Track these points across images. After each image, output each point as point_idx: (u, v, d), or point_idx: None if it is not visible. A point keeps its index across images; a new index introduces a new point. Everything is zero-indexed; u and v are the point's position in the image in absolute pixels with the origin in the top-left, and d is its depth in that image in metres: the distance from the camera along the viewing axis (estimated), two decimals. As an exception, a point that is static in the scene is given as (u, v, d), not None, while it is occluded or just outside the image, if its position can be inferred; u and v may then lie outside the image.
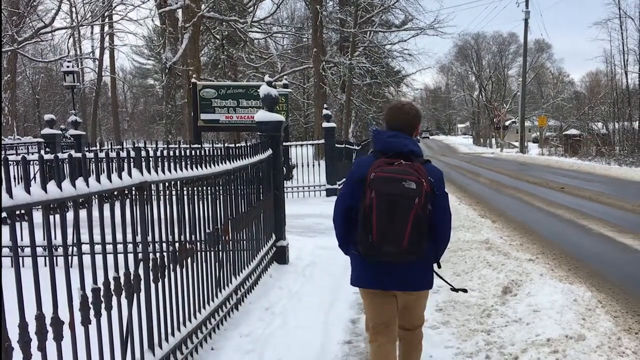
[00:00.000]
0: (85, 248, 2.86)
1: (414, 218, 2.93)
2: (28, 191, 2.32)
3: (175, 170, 3.76)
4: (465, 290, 3.66)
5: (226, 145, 4.98)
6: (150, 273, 3.36)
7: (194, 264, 4.08)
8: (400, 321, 3.35)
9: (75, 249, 2.88)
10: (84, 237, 2.82)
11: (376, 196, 2.96)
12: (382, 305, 3.27)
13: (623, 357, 3.89)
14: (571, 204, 12.47)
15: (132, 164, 3.22)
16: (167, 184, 3.69)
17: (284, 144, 10.01)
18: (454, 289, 3.54)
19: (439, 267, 3.31)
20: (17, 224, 2.31)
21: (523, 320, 4.66)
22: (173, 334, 3.67)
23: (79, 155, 3.02)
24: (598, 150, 33.08)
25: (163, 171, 3.57)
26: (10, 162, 9.41)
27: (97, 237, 2.83)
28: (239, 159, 5.23)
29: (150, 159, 3.42)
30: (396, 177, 2.97)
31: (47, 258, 2.51)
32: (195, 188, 4.16)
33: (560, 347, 4.01)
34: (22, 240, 5.90)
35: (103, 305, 2.82)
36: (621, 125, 32.69)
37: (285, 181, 7.98)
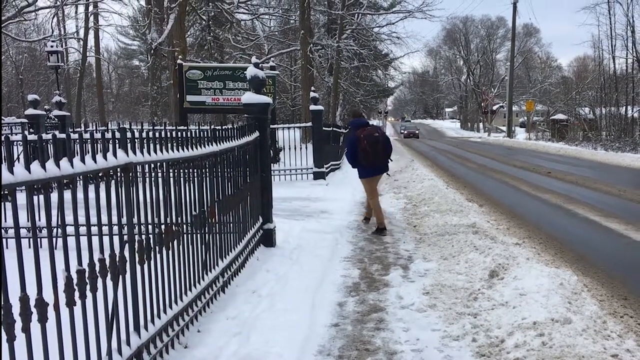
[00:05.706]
0: (70, 230, 2.81)
1: (382, 146, 8.11)
2: (11, 171, 2.26)
3: (162, 151, 3.71)
4: (390, 159, 8.46)
5: (213, 127, 4.93)
6: (136, 255, 3.33)
7: (180, 247, 4.04)
8: None
9: (59, 230, 2.83)
10: (69, 218, 2.77)
11: (367, 142, 7.96)
12: (373, 184, 8.40)
13: (608, 340, 3.92)
14: (558, 189, 12.55)
15: (117, 145, 3.17)
16: (152, 165, 3.64)
17: (271, 126, 9.93)
18: (388, 175, 8.97)
19: (391, 160, 8.49)
20: (1, 205, 2.26)
21: (509, 304, 4.68)
22: (159, 316, 3.64)
23: (64, 135, 2.96)
24: (585, 135, 33.32)
25: (149, 152, 3.52)
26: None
27: (81, 219, 2.79)
28: (226, 141, 5.18)
29: (136, 140, 3.36)
30: (370, 133, 8.08)
31: (30, 239, 2.46)
32: (181, 170, 4.12)
33: (546, 330, 4.03)
34: (5, 221, 5.84)
35: (88, 287, 2.78)
36: (608, 110, 32.92)
37: (272, 164, 7.93)
